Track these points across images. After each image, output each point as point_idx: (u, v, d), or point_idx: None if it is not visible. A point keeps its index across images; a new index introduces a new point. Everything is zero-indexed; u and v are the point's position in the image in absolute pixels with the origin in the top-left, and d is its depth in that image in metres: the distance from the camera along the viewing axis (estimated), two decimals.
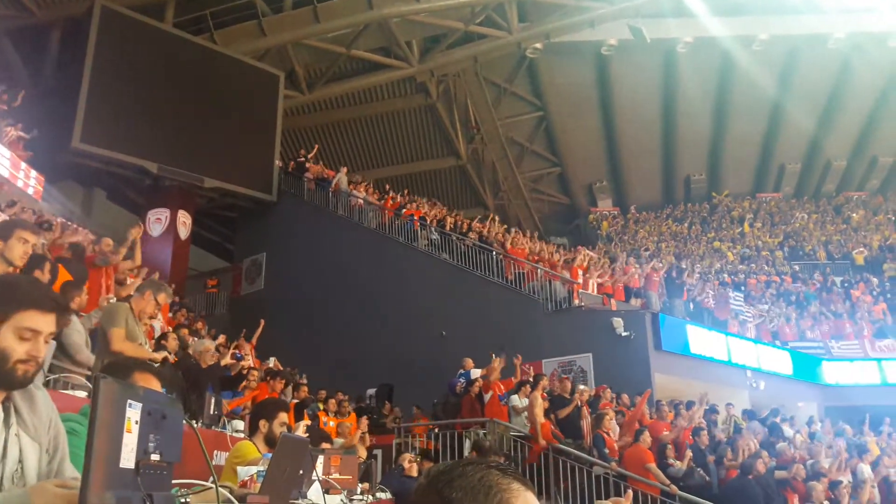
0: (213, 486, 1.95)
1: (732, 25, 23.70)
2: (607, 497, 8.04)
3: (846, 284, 22.88)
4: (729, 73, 25.71)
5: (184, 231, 18.31)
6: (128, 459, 1.44)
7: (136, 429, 1.47)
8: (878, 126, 27.87)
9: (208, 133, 18.32)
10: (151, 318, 5.45)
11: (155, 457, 1.52)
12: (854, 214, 29.25)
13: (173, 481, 1.73)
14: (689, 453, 9.62)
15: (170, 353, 7.72)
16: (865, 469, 11.07)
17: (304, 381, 11.50)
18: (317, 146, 22.08)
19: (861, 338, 18.94)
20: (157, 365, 4.78)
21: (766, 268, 24.39)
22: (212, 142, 18.32)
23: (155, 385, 2.31)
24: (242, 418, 6.86)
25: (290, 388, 10.15)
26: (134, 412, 1.47)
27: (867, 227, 27.69)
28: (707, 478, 9.42)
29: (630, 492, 1.63)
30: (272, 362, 11.95)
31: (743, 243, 27.06)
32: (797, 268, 24.50)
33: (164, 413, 1.57)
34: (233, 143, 18.79)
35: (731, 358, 14.89)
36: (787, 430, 12.62)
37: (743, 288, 22.19)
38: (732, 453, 10.07)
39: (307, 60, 22.33)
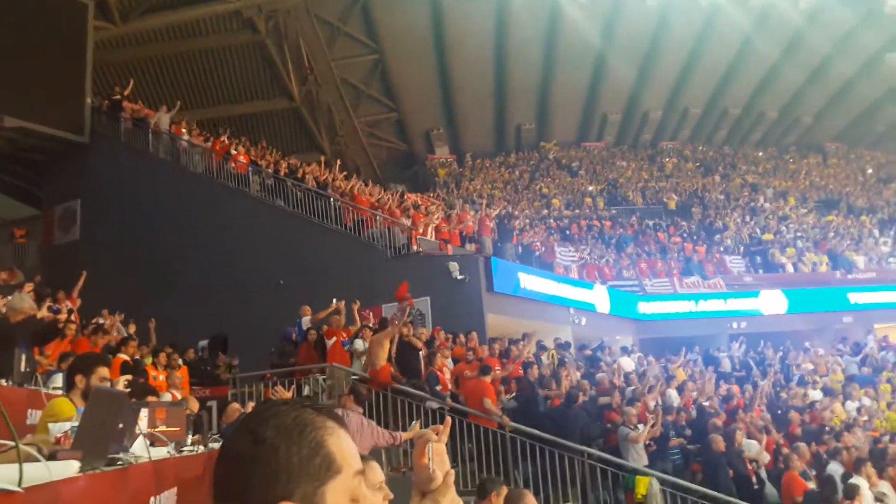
0: (15, 444, 1.77)
1: None
2: None
3: (658, 228, 24.96)
4: (557, 22, 26.43)
5: None
6: None
7: None
8: (689, 80, 30.05)
9: (7, 67, 16.34)
10: None
11: None
12: (668, 162, 31.75)
13: None
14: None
15: None
16: (673, 394, 12.37)
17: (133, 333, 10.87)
18: (132, 81, 20.34)
19: (671, 276, 20.85)
20: None
21: (588, 213, 26.00)
22: (12, 77, 16.36)
23: None
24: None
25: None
26: None
27: (679, 175, 30.20)
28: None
29: (448, 419, 1.68)
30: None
31: (570, 190, 28.56)
32: (615, 212, 26.35)
33: None
34: (36, 78, 16.89)
35: (555, 297, 15.93)
36: (626, 363, 13.91)
37: (567, 232, 23.58)
38: (556, 385, 10.81)
39: None
